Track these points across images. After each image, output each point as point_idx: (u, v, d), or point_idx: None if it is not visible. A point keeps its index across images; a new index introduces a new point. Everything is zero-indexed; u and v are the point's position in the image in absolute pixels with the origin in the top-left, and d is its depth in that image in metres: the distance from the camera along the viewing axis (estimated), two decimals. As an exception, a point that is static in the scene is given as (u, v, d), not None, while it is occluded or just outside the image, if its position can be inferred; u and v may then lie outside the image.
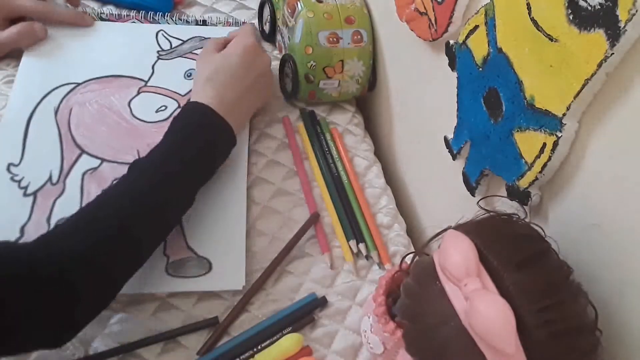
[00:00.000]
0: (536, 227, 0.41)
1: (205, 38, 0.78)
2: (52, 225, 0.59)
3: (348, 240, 0.64)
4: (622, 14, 0.33)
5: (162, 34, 0.77)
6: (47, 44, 0.73)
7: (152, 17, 0.80)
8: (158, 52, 0.76)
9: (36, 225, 0.59)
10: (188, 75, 0.74)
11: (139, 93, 0.71)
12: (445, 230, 0.41)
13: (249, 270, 0.60)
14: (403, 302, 0.39)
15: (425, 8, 0.58)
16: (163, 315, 0.57)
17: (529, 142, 0.43)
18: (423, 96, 0.66)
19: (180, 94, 0.72)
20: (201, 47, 0.76)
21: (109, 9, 0.80)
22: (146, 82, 0.72)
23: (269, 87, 0.72)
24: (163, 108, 0.70)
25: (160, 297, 0.58)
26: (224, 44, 0.68)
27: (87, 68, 0.72)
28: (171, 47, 0.76)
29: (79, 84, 0.70)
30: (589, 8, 0.36)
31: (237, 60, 0.65)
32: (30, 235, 0.56)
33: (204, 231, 0.61)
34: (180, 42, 0.77)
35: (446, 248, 0.36)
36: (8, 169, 0.62)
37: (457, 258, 0.35)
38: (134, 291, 0.56)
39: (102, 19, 0.78)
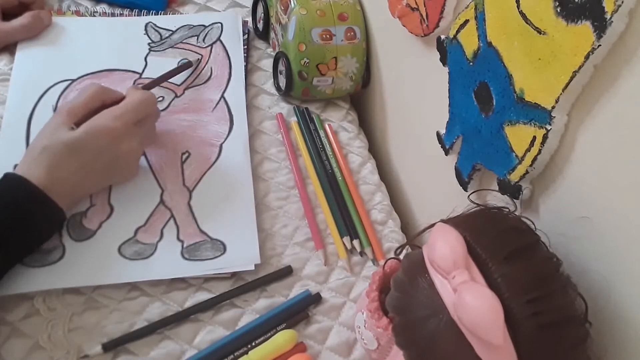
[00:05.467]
0: (526, 220, 0.41)
1: (195, 26, 0.78)
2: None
3: (342, 237, 0.64)
4: (608, 5, 0.33)
5: (151, 26, 0.77)
6: (38, 42, 0.73)
7: (146, 16, 0.80)
8: (149, 44, 0.76)
9: None
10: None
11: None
12: (436, 223, 0.41)
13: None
14: (393, 295, 0.39)
15: (416, 3, 0.58)
16: (175, 294, 0.58)
17: (519, 135, 0.44)
18: (416, 92, 0.67)
19: (175, 84, 0.72)
20: (191, 36, 0.77)
21: (102, 8, 0.80)
22: (140, 74, 0.73)
23: (132, 169, 0.62)
24: (160, 99, 0.71)
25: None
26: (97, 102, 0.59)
27: (81, 64, 0.72)
28: (161, 39, 0.76)
29: (74, 80, 0.71)
30: (576, 0, 0.36)
31: (93, 144, 0.56)
32: None
33: (214, 214, 0.63)
34: (170, 32, 0.77)
35: (434, 241, 0.36)
36: (15, 170, 0.62)
37: (445, 250, 0.35)
38: (153, 277, 0.58)
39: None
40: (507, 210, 0.42)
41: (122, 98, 0.61)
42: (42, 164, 0.54)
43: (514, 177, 0.45)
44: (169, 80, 0.72)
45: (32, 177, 0.54)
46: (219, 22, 0.79)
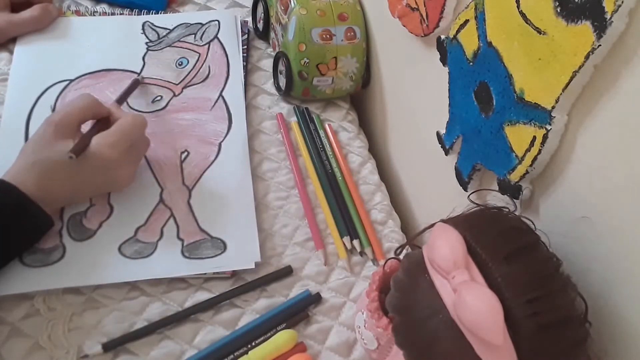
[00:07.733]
0: (526, 220, 0.41)
1: (192, 24, 0.78)
2: (65, 221, 0.60)
3: (342, 237, 0.64)
4: (608, 5, 0.33)
5: (149, 25, 0.77)
6: (37, 41, 0.73)
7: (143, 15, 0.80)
8: (146, 43, 0.76)
9: None
10: (179, 64, 0.74)
11: None
12: (436, 223, 0.41)
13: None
14: (393, 295, 0.39)
15: (416, 3, 0.58)
16: (175, 294, 0.58)
17: (519, 135, 0.43)
18: (416, 92, 0.66)
19: (174, 83, 0.73)
20: (188, 34, 0.77)
21: (102, 8, 0.80)
22: (138, 74, 0.73)
23: (126, 185, 0.62)
24: (159, 98, 0.71)
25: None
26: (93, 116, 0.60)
27: (78, 64, 0.72)
28: (159, 37, 0.77)
29: (71, 81, 0.71)
30: (576, 0, 0.36)
31: (88, 170, 0.57)
32: None
33: (214, 213, 0.63)
34: (167, 31, 0.77)
35: (434, 241, 0.36)
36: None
37: (445, 250, 0.35)
38: (153, 276, 0.58)
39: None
40: (507, 210, 0.42)
41: (109, 114, 0.61)
42: (33, 175, 0.55)
43: (514, 177, 0.45)
44: (167, 80, 0.73)
45: (22, 186, 0.54)
46: (216, 20, 0.79)
